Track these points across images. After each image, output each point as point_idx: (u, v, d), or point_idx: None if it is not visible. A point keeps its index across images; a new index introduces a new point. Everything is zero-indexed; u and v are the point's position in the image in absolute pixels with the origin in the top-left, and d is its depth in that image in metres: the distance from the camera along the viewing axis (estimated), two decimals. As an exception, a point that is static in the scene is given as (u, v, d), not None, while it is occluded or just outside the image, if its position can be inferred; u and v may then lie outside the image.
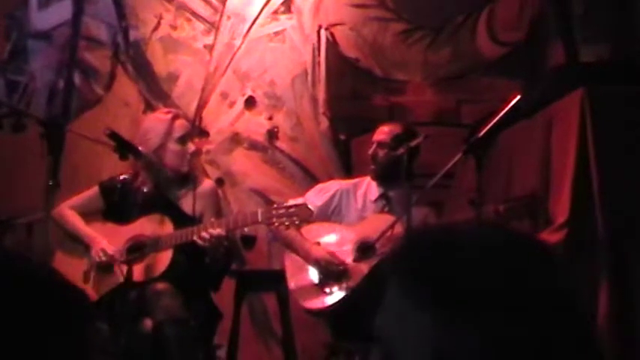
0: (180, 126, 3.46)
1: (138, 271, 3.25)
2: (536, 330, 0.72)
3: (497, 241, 0.76)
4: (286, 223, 3.23)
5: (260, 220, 3.26)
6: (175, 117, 3.49)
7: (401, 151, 3.46)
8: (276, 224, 3.24)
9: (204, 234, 3.21)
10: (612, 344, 3.10)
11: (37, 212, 3.81)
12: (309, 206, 3.30)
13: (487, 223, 0.82)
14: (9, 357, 0.68)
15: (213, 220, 3.31)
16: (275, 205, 3.37)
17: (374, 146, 3.66)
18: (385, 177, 3.64)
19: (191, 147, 3.45)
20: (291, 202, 3.42)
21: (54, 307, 0.74)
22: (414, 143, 3.32)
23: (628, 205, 3.24)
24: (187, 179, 3.46)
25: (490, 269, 0.73)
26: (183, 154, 3.42)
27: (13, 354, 0.68)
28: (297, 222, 3.24)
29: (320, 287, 3.51)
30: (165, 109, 3.84)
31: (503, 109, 3.18)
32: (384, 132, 3.65)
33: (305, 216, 3.24)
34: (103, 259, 3.32)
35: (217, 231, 3.21)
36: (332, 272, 3.49)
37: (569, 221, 3.23)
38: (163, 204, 3.42)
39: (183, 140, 3.43)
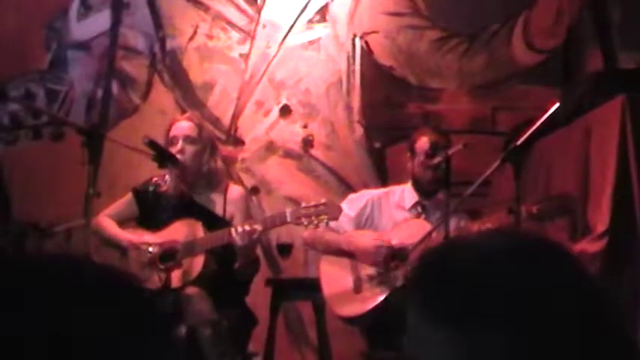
0: (172, 128, 3.45)
1: (175, 277, 3.27)
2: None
3: (501, 253, 0.76)
4: (315, 222, 3.16)
5: (289, 219, 3.20)
6: (175, 120, 3.52)
7: (437, 159, 3.41)
8: (305, 223, 3.16)
9: (240, 228, 3.17)
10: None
11: (76, 220, 3.86)
12: (340, 204, 3.25)
13: (502, 232, 0.82)
14: None
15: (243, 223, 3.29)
16: (303, 204, 3.27)
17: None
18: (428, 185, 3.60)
19: (176, 148, 3.37)
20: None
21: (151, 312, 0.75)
22: (451, 151, 3.28)
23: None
24: (210, 182, 3.44)
25: (494, 286, 0.73)
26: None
27: None
28: (325, 220, 3.17)
29: (355, 294, 3.49)
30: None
31: (541, 116, 3.14)
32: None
33: (334, 213, 3.17)
34: (151, 249, 3.30)
35: (254, 226, 3.18)
36: (383, 258, 3.40)
37: (609, 230, 3.19)
38: (194, 208, 3.40)
39: (171, 141, 3.40)
